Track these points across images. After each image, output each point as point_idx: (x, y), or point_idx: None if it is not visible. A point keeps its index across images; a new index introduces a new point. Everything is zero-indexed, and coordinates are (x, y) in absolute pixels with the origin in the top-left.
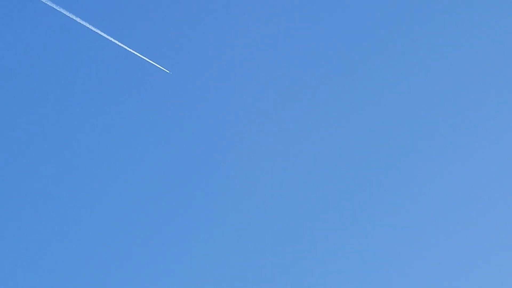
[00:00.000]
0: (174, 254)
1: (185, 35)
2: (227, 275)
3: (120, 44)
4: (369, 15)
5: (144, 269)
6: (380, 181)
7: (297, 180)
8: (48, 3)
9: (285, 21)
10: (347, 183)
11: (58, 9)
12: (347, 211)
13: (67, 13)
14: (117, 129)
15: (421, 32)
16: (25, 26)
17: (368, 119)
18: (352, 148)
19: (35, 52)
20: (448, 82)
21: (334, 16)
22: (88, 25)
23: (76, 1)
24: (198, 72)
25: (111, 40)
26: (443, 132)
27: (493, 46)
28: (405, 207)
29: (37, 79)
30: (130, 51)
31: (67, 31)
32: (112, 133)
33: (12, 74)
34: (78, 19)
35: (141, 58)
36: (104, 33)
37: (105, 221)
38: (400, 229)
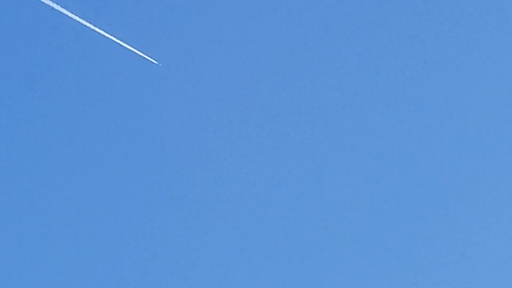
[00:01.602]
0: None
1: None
2: (227, 275)
3: (104, 33)
4: (368, 15)
5: (144, 269)
6: (380, 181)
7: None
8: None
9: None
10: (346, 183)
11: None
12: (347, 211)
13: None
14: (98, 123)
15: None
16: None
17: (367, 118)
18: (351, 147)
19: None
20: (448, 82)
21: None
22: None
23: None
24: (191, 64)
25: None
26: (443, 133)
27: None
28: (405, 208)
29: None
30: (115, 41)
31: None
32: (93, 128)
33: None
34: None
35: (128, 48)
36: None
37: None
38: (401, 230)
